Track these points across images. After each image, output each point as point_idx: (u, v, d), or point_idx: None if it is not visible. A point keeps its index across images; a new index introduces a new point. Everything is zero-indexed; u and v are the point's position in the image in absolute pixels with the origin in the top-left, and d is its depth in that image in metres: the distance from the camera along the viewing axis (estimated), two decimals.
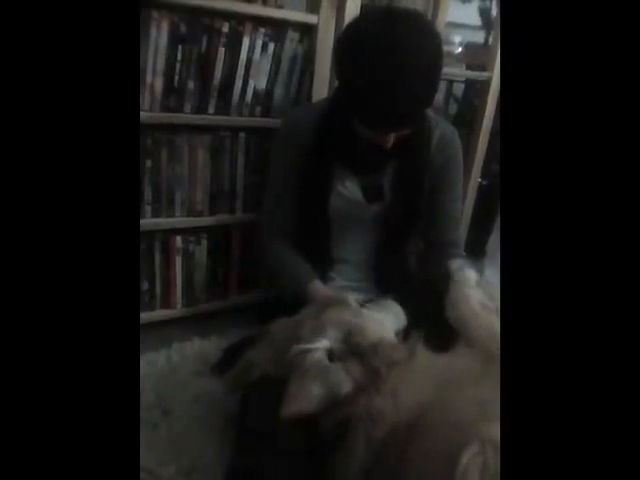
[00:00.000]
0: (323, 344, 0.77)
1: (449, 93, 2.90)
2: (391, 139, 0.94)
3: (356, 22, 0.89)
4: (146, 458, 0.97)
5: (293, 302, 1.00)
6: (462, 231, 1.22)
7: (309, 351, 0.76)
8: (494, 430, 0.59)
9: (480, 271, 2.01)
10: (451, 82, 2.90)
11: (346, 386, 0.74)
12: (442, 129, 1.09)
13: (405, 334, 0.91)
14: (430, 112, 1.14)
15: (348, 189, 1.08)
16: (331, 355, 0.77)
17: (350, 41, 0.87)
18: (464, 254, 1.16)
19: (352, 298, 0.91)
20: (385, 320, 0.89)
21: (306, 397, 0.72)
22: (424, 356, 0.83)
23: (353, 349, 0.77)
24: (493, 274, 1.99)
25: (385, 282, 1.16)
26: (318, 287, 1.06)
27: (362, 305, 0.93)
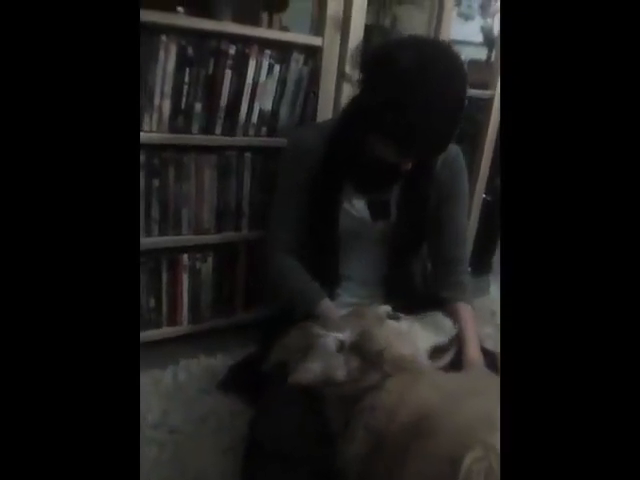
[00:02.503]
0: (337, 335, 0.87)
1: None
2: (411, 162, 0.95)
3: (402, 47, 0.89)
4: (152, 476, 0.98)
5: (300, 320, 1.01)
6: (467, 248, 1.23)
7: (324, 336, 0.87)
8: (499, 440, 0.59)
9: (486, 287, 2.01)
10: None
11: (340, 374, 0.84)
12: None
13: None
14: None
15: (355, 207, 1.09)
16: (341, 346, 0.86)
17: (399, 65, 0.86)
18: (469, 270, 1.16)
19: (383, 308, 0.95)
20: (415, 334, 0.92)
21: (307, 371, 0.84)
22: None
23: (361, 350, 0.86)
24: (499, 290, 1.99)
25: (391, 299, 1.16)
26: (328, 305, 1.06)
27: (395, 317, 0.95)
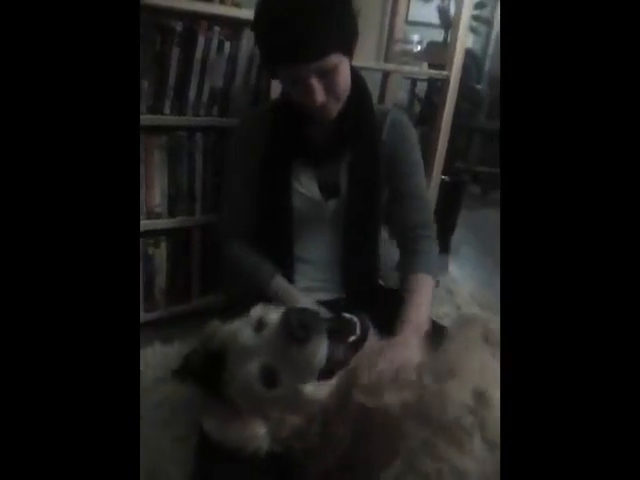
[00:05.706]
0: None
1: (412, 92, 2.94)
2: (315, 86, 0.90)
3: None
4: None
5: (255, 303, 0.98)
6: (431, 212, 1.19)
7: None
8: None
9: (444, 266, 2.05)
10: (414, 81, 2.94)
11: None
12: (392, 116, 1.10)
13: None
14: (385, 106, 1.15)
15: (305, 186, 1.07)
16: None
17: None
18: (434, 237, 1.15)
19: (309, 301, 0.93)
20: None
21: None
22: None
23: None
24: (457, 269, 2.03)
25: (349, 282, 1.15)
26: (281, 283, 1.05)
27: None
